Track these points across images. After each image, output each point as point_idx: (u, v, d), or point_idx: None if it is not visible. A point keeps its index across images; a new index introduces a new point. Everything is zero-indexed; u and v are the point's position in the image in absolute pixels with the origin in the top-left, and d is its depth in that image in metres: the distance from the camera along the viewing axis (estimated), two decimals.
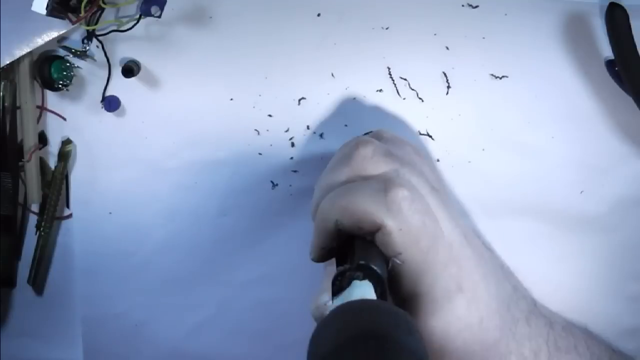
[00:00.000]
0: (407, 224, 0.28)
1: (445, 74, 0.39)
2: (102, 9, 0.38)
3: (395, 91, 0.40)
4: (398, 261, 0.28)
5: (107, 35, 0.39)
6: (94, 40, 0.39)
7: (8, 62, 0.39)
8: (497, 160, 0.40)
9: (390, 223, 0.28)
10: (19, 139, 0.42)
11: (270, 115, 0.41)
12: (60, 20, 0.37)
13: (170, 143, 0.42)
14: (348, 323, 0.21)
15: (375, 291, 0.25)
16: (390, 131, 0.36)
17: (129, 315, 0.45)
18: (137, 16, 0.37)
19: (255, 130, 0.41)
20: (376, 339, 0.20)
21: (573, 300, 0.42)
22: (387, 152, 0.32)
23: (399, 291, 0.30)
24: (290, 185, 0.42)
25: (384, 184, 0.29)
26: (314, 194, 0.33)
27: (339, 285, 0.25)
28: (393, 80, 0.40)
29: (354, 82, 0.40)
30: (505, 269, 0.40)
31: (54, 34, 0.38)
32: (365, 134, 0.37)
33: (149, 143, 0.42)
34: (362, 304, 0.23)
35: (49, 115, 0.42)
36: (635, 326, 0.42)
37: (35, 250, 0.43)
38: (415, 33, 0.39)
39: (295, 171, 0.42)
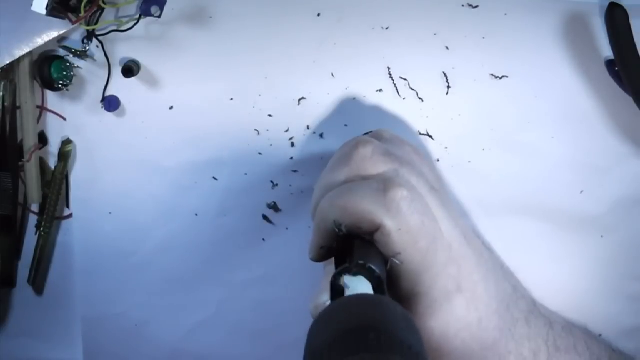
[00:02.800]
0: (406, 224, 0.28)
1: (445, 74, 0.39)
2: (102, 9, 0.38)
3: (395, 91, 0.40)
4: (397, 261, 0.28)
5: (107, 35, 0.39)
6: (94, 40, 0.39)
7: (8, 62, 0.39)
8: (497, 160, 0.40)
9: (390, 223, 0.28)
10: (19, 139, 0.42)
11: (270, 115, 0.41)
12: (60, 20, 0.37)
13: (170, 143, 0.42)
14: (346, 316, 0.21)
15: (374, 291, 0.25)
16: (390, 131, 0.36)
17: (129, 315, 0.45)
18: (137, 16, 0.37)
19: (255, 130, 0.41)
20: (374, 332, 0.20)
21: (573, 300, 0.42)
22: (386, 152, 0.32)
23: (398, 291, 0.30)
24: (290, 185, 0.42)
25: (383, 184, 0.29)
26: (314, 194, 0.33)
27: (337, 284, 0.25)
28: (393, 80, 0.40)
29: (354, 82, 0.40)
30: (505, 269, 0.40)
31: (54, 34, 0.38)
32: (365, 134, 0.37)
33: (149, 143, 0.42)
34: (360, 299, 0.23)
35: (49, 115, 0.42)
36: (635, 326, 0.42)
37: (35, 250, 0.43)
38: (415, 33, 0.39)
39: (295, 171, 0.42)
